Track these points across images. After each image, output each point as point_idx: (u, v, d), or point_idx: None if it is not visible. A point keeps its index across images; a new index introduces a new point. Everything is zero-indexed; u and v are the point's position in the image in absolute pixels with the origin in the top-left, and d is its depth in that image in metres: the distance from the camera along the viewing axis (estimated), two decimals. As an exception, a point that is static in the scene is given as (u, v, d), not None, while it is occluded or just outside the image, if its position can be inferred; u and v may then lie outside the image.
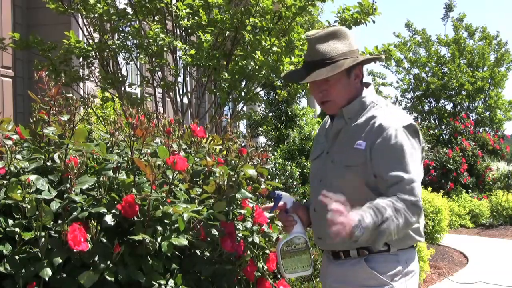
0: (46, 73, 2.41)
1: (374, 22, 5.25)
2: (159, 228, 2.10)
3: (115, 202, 2.07)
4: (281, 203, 2.28)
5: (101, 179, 2.12)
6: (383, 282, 2.16)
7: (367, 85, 2.29)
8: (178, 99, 5.56)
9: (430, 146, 12.87)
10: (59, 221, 2.03)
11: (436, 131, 14.24)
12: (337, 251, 2.25)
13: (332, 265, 2.29)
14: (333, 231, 1.92)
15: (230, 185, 2.32)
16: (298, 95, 10.12)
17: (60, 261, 1.93)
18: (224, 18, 5.14)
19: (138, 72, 6.11)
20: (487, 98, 15.50)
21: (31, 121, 2.40)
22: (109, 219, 2.04)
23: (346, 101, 2.23)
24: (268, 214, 2.47)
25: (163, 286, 2.08)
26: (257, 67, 4.95)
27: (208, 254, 2.34)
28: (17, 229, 1.98)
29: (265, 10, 5.08)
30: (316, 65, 2.19)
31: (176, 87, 5.54)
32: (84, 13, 5.20)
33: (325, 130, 2.37)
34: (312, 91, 2.27)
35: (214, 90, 5.35)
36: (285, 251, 2.24)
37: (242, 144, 2.88)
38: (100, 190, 2.12)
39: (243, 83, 5.43)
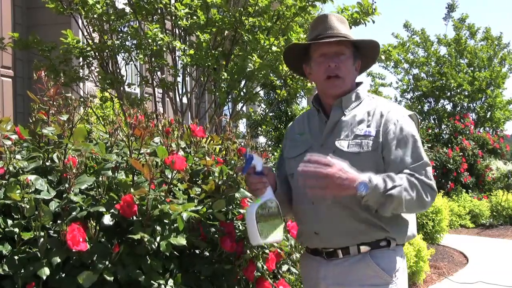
0: (45, 73, 2.41)
1: (373, 22, 5.25)
2: (158, 228, 2.09)
3: (114, 202, 2.07)
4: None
5: (100, 179, 2.12)
6: (388, 280, 2.14)
7: (359, 83, 2.33)
8: (178, 99, 5.56)
9: (429, 146, 12.86)
10: (58, 221, 2.03)
11: (436, 131, 14.24)
12: (334, 250, 2.19)
13: (326, 266, 2.22)
14: (337, 184, 1.95)
15: (229, 185, 2.32)
16: (298, 95, 10.12)
17: (59, 260, 1.93)
18: (223, 18, 5.14)
19: (138, 72, 6.11)
20: (486, 98, 15.52)
21: (31, 121, 2.40)
22: (107, 218, 2.03)
23: (349, 87, 2.26)
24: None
25: (162, 286, 2.08)
26: (255, 68, 4.94)
27: (208, 254, 2.34)
28: (16, 229, 1.97)
29: (263, 9, 5.08)
30: (334, 37, 2.21)
31: (176, 87, 5.54)
32: (83, 13, 5.20)
33: (305, 127, 2.35)
34: (321, 65, 2.23)
35: (214, 90, 5.36)
36: (259, 214, 2.13)
37: (242, 144, 2.88)
38: (99, 190, 2.12)
39: (243, 83, 5.43)
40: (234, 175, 2.35)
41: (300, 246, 2.75)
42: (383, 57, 5.58)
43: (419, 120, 2.32)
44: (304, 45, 2.31)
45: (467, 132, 13.83)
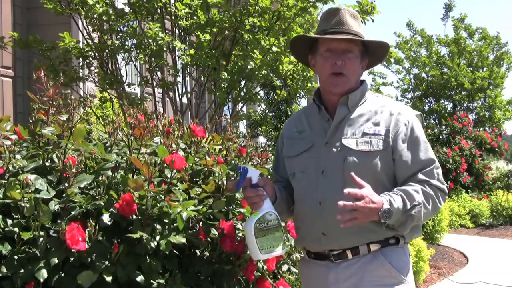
0: (45, 73, 2.40)
1: (373, 21, 5.25)
2: (158, 226, 2.09)
3: (113, 201, 2.06)
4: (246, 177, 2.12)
5: (100, 178, 2.12)
6: (401, 280, 2.11)
7: (362, 81, 2.29)
8: (178, 99, 5.56)
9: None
10: (58, 221, 2.03)
11: (435, 130, 14.24)
12: (343, 250, 2.13)
13: (336, 269, 2.14)
14: (359, 217, 1.94)
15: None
16: (298, 95, 10.12)
17: (58, 260, 1.92)
18: (223, 18, 5.14)
19: (138, 72, 6.10)
20: (486, 98, 15.52)
21: (31, 121, 2.40)
22: (106, 218, 2.03)
23: (354, 85, 2.21)
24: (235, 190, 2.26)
25: (162, 286, 2.08)
26: (256, 66, 4.93)
27: (208, 254, 2.33)
28: (16, 229, 1.97)
29: (264, 9, 5.07)
30: (344, 32, 2.16)
31: (176, 87, 5.54)
32: (83, 13, 5.20)
33: (304, 125, 2.29)
34: (327, 60, 2.16)
35: (214, 90, 5.35)
36: (258, 229, 2.07)
37: (242, 144, 2.87)
38: (99, 189, 2.11)
39: (243, 83, 5.43)
40: (235, 175, 2.34)
41: (299, 248, 2.72)
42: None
43: (424, 120, 2.32)
44: (315, 38, 2.23)
45: (465, 131, 13.83)
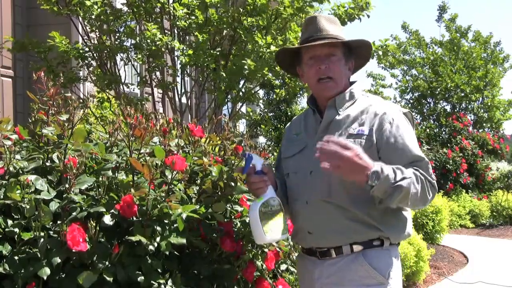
0: (44, 74, 2.40)
1: (368, 16, 5.28)
2: (158, 228, 2.09)
3: (114, 202, 2.07)
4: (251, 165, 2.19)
5: (100, 179, 2.12)
6: (381, 281, 2.12)
7: (353, 82, 2.32)
8: (177, 99, 5.56)
9: (429, 147, 12.78)
10: (58, 221, 2.03)
11: (435, 131, 14.24)
12: (328, 249, 2.18)
13: (321, 267, 2.21)
14: (348, 166, 1.93)
15: (228, 184, 2.31)
16: (298, 95, 10.13)
17: (59, 261, 1.93)
18: (221, 18, 5.14)
19: (137, 73, 6.10)
20: (484, 98, 15.53)
21: (31, 121, 2.40)
22: (107, 219, 2.03)
23: (341, 88, 2.24)
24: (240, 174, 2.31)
25: (162, 286, 2.08)
26: (251, 70, 4.94)
27: (208, 254, 2.34)
28: (16, 230, 1.97)
29: (261, 8, 5.08)
30: (323, 38, 2.20)
31: (175, 87, 5.54)
32: (81, 14, 5.19)
33: (301, 127, 2.35)
34: (311, 67, 2.22)
35: (213, 90, 5.36)
36: (263, 212, 2.13)
37: (242, 144, 2.87)
38: (99, 190, 2.11)
39: (241, 82, 5.44)
40: (230, 172, 2.35)
41: (296, 246, 2.75)
42: (380, 52, 5.59)
43: (414, 118, 2.31)
44: (296, 49, 2.30)
45: (465, 131, 13.83)
